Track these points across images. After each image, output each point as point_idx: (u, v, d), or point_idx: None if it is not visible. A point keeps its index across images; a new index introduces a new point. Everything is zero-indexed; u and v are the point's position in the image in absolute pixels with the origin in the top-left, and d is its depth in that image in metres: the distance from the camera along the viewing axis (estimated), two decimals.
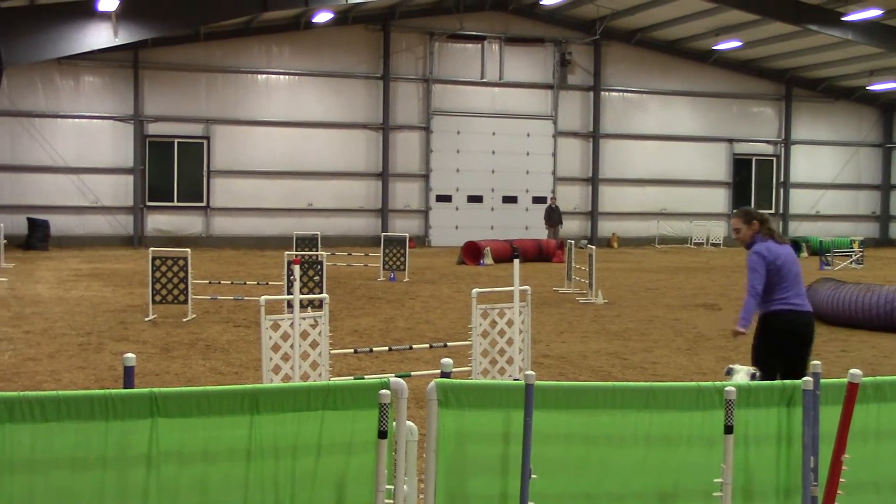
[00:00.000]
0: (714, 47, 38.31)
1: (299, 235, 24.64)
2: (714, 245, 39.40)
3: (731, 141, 41.36)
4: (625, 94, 39.97)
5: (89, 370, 10.92)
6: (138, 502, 4.22)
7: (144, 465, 4.22)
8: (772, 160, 42.30)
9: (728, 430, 4.71)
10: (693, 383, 4.96)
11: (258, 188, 35.39)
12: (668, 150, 40.39)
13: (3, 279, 21.05)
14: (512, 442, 4.63)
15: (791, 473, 4.96)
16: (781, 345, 7.64)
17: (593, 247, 19.87)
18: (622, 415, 4.79)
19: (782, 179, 42.24)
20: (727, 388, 4.73)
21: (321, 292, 14.17)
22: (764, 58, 39.83)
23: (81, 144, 33.51)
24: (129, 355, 4.99)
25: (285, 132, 35.64)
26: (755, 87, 41.56)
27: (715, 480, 4.76)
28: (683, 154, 40.62)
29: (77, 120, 33.60)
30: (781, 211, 42.15)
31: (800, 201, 42.43)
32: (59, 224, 32.75)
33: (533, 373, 4.70)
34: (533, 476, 4.56)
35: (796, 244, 34.62)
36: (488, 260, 27.99)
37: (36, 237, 31.40)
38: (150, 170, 34.50)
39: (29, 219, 31.82)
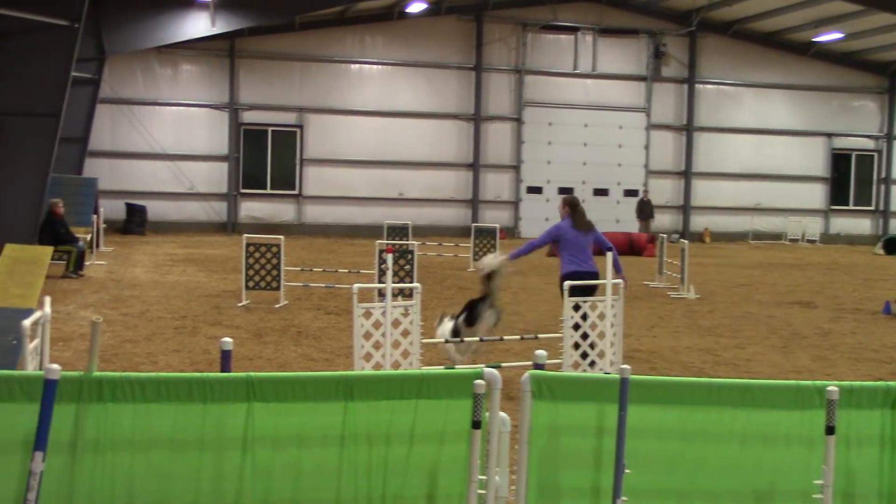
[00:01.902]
0: (813, 39, 37.40)
1: (390, 224, 24.81)
2: (810, 241, 38.52)
3: (829, 135, 40.29)
4: (720, 86, 39.25)
5: (184, 353, 11.14)
6: (234, 485, 4.28)
7: (240, 448, 4.28)
8: (872, 155, 41.08)
9: (830, 430, 4.59)
10: (792, 382, 4.84)
11: (349, 177, 35.68)
12: (763, 143, 39.55)
13: (103, 262, 21.62)
14: (605, 435, 4.58)
15: (895, 476, 4.82)
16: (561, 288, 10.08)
17: (685, 241, 19.60)
18: (718, 412, 4.71)
19: (883, 175, 41.02)
20: (829, 389, 4.62)
21: (412, 281, 14.23)
22: (866, 50, 38.72)
23: (178, 132, 34.20)
24: (227, 339, 5.07)
25: (377, 122, 35.86)
26: (856, 80, 40.42)
27: (815, 482, 4.65)
28: (779, 148, 39.74)
29: (174, 107, 34.29)
30: (882, 207, 40.99)
31: None
32: (156, 209, 33.47)
33: (628, 366, 4.64)
34: (626, 471, 4.51)
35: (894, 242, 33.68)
36: None
37: (134, 222, 32.16)
38: (245, 157, 35.05)
39: (127, 204, 32.59)
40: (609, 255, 9.63)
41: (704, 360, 11.63)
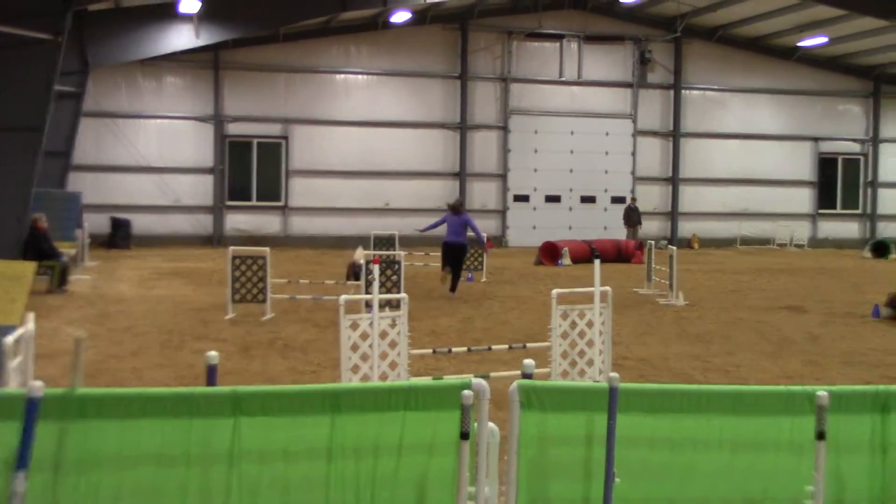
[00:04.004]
0: (798, 44, 37.57)
1: (377, 235, 24.80)
2: (798, 246, 38.63)
3: (816, 139, 40.43)
4: (706, 92, 39.39)
5: (171, 368, 11.10)
6: (221, 500, 4.26)
7: (227, 463, 4.25)
8: (859, 159, 41.25)
9: (820, 436, 4.59)
10: (782, 387, 4.84)
11: (335, 188, 35.65)
12: (750, 149, 39.68)
13: (88, 277, 21.53)
14: (595, 445, 4.57)
15: (886, 482, 4.81)
16: (442, 252, 19.25)
17: (674, 247, 19.63)
18: (707, 419, 4.70)
19: (870, 179, 41.21)
20: (818, 394, 4.62)
21: (399, 292, 14.21)
22: (851, 54, 38.89)
23: (163, 144, 34.12)
24: (213, 353, 5.05)
25: (363, 132, 35.86)
26: (841, 84, 40.61)
27: (806, 488, 4.64)
28: (766, 153, 39.89)
29: (159, 120, 34.22)
30: (869, 211, 41.17)
31: (889, 201, 41.34)
32: (141, 223, 33.38)
33: (617, 375, 4.63)
34: (616, 480, 4.50)
35: (884, 245, 33.84)
36: (566, 260, 27.83)
37: (118, 236, 32.06)
38: (230, 170, 34.99)
39: (112, 218, 32.51)
40: (596, 262, 9.63)
41: (694, 367, 11.64)
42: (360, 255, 19.47)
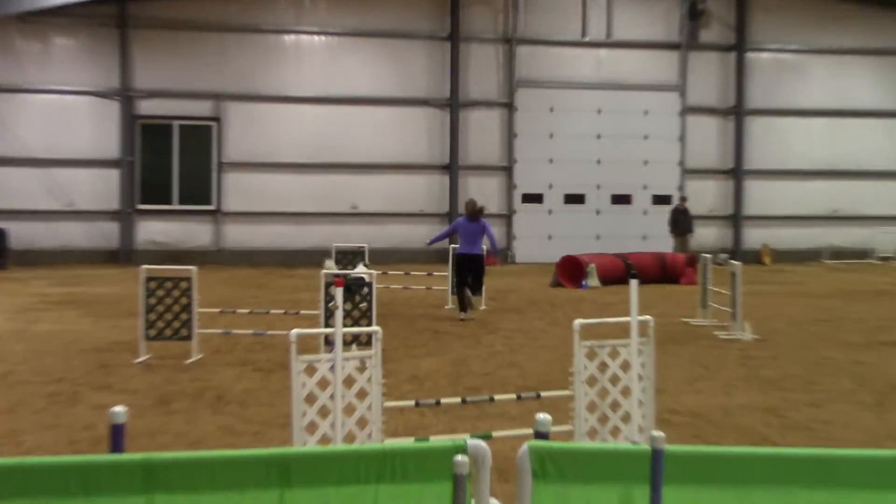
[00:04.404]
0: None
1: (340, 248, 24.78)
2: None
3: None
4: (779, 54, 39.57)
5: (61, 429, 11.02)
6: None
7: None
8: None
9: None
10: (888, 451, 4.83)
11: (284, 186, 35.73)
12: (841, 129, 39.91)
13: None
14: None
15: None
16: (455, 269, 21.18)
17: (737, 263, 19.61)
18: (788, 492, 4.69)
19: None
20: None
21: (370, 324, 14.18)
22: None
23: (50, 128, 34.10)
24: (119, 409, 5.01)
25: (321, 111, 35.99)
26: None
27: None
28: (864, 135, 40.07)
29: (44, 95, 34.21)
30: None
31: None
32: (22, 233, 33.30)
33: (663, 434, 4.62)
34: None
35: None
36: (593, 281, 27.84)
37: None
38: (143, 162, 35.01)
39: None
40: (632, 283, 9.61)
41: (768, 424, 11.61)
42: (329, 268, 20.85)
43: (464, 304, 20.86)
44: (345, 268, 23.34)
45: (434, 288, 24.98)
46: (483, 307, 22.27)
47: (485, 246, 21.29)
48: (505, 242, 37.27)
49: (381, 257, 32.11)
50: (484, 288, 21.59)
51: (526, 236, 37.45)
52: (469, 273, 20.90)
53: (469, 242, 20.99)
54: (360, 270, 21.20)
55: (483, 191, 37.20)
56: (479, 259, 21.05)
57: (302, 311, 18.80)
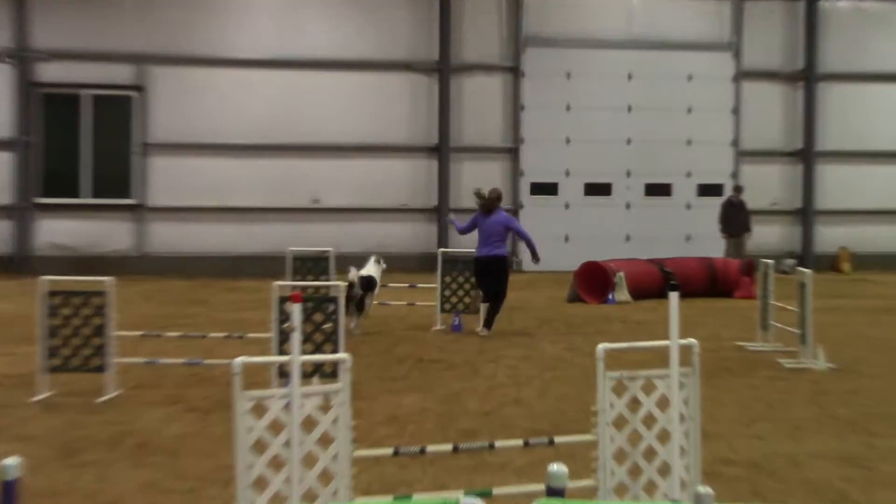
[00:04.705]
0: None
1: (298, 254, 24.72)
2: None
3: None
4: (862, 2, 39.60)
5: None
6: None
7: None
8: None
9: None
10: None
11: (228, 174, 35.77)
12: None
13: None
14: None
15: None
16: (475, 271, 22.06)
17: (807, 271, 19.58)
18: None
19: None
20: None
21: (337, 350, 14.18)
22: None
23: None
24: (10, 462, 5.01)
25: (274, 79, 36.05)
26: None
27: None
28: None
29: None
30: None
31: None
32: None
33: (711, 490, 4.62)
34: None
35: None
36: (622, 294, 27.85)
37: None
38: (44, 143, 34.95)
39: None
40: (672, 297, 9.63)
41: (848, 478, 11.61)
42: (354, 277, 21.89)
43: (487, 317, 21.58)
44: (304, 279, 23.31)
45: (419, 304, 24.96)
46: (480, 328, 22.26)
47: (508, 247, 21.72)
48: (508, 246, 37.20)
49: (351, 264, 32.11)
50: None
51: (536, 237, 36.94)
52: (488, 278, 21.56)
53: (486, 243, 21.55)
54: (370, 269, 22.44)
55: (481, 179, 37.18)
56: (499, 263, 21.62)
57: (249, 335, 18.80)
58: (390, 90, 36.74)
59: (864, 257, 38.82)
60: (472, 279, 22.71)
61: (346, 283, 20.62)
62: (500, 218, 21.62)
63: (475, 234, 21.92)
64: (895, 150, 39.27)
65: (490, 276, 21.44)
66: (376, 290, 23.11)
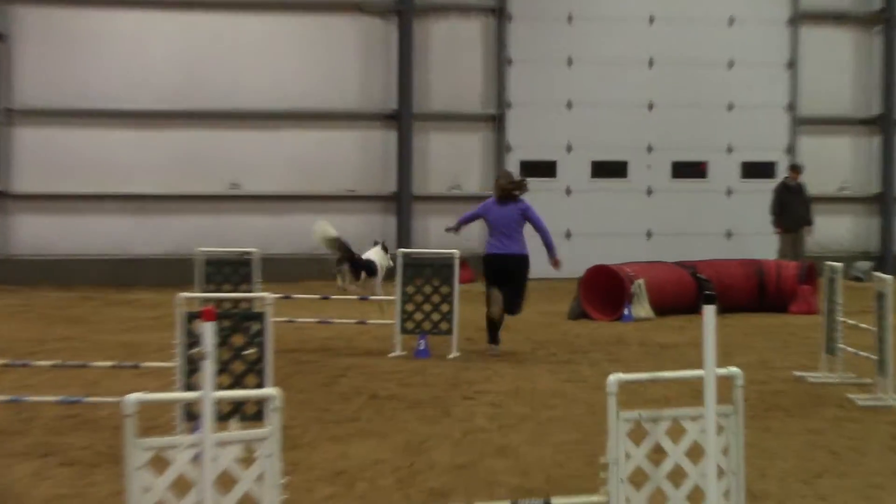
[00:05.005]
0: None
1: (212, 256, 24.66)
2: None
3: None
4: None
5: None
6: None
7: None
8: None
9: None
10: None
11: (119, 151, 35.77)
12: None
13: None
14: None
15: None
16: (485, 272, 22.65)
17: (887, 277, 19.60)
18: None
19: None
20: None
21: (263, 385, 14.17)
22: None
23: None
24: None
25: (180, 25, 36.07)
26: None
27: None
28: None
29: None
30: None
31: None
32: None
33: None
34: None
35: None
36: (641, 308, 27.89)
37: None
38: None
39: None
40: (708, 310, 9.66)
41: None
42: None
43: (493, 332, 22.18)
44: (219, 289, 23.21)
45: (372, 322, 24.95)
46: (454, 353, 22.30)
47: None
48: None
49: (284, 270, 32.14)
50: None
51: (528, 233, 37.41)
52: (502, 282, 22.04)
53: (501, 237, 22.18)
54: (373, 254, 24.23)
55: (457, 155, 37.34)
56: (519, 262, 22.23)
57: (146, 364, 18.78)
58: (335, 39, 36.80)
59: None
60: (443, 288, 22.74)
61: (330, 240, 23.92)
62: (518, 208, 22.10)
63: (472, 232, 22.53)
64: None
65: (505, 277, 21.97)
66: (378, 278, 24.95)
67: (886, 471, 14.51)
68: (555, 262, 22.89)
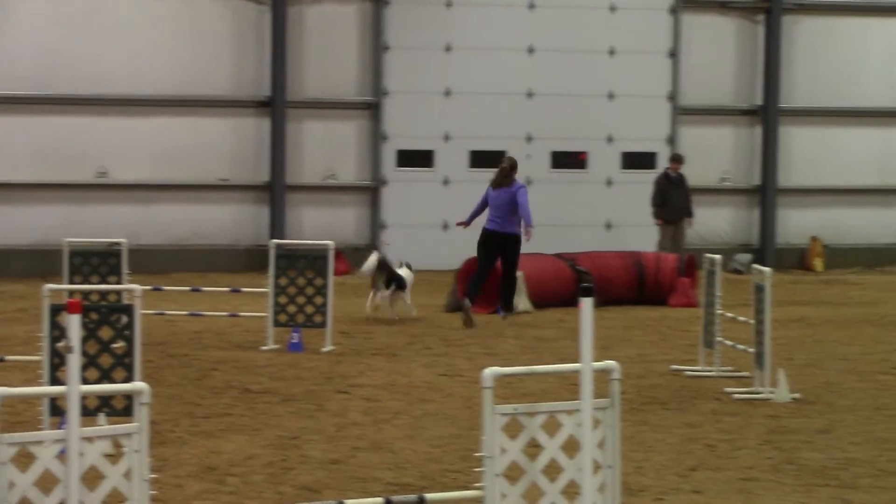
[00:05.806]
0: None
1: (76, 247, 24.58)
2: None
3: None
4: None
5: None
6: None
7: None
8: None
9: None
10: None
11: None
12: None
13: None
14: None
15: None
16: (480, 241, 26.74)
17: (766, 269, 19.78)
18: None
19: None
20: None
21: (132, 379, 14.18)
22: None
23: None
24: None
25: (37, 3, 35.75)
26: None
27: None
28: None
29: None
30: None
31: None
32: None
33: None
34: None
35: None
36: (520, 301, 27.96)
37: None
38: None
39: None
40: (585, 303, 9.79)
41: None
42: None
43: (466, 310, 24.90)
44: (86, 281, 23.14)
45: (244, 314, 24.93)
46: (329, 346, 22.31)
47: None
48: (368, 234, 37.37)
49: (153, 261, 32.05)
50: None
51: (405, 224, 37.54)
52: (491, 255, 25.12)
53: (497, 216, 25.47)
54: (403, 271, 26.50)
55: (332, 144, 37.30)
56: (511, 240, 25.49)
57: (9, 357, 18.74)
58: (205, 22, 36.68)
59: (841, 251, 39.27)
60: (317, 280, 22.75)
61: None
62: (512, 190, 24.35)
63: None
64: (887, 108, 39.80)
65: (496, 252, 24.86)
66: (407, 291, 26.72)
67: (761, 464, 14.74)
68: (527, 235, 25.48)
